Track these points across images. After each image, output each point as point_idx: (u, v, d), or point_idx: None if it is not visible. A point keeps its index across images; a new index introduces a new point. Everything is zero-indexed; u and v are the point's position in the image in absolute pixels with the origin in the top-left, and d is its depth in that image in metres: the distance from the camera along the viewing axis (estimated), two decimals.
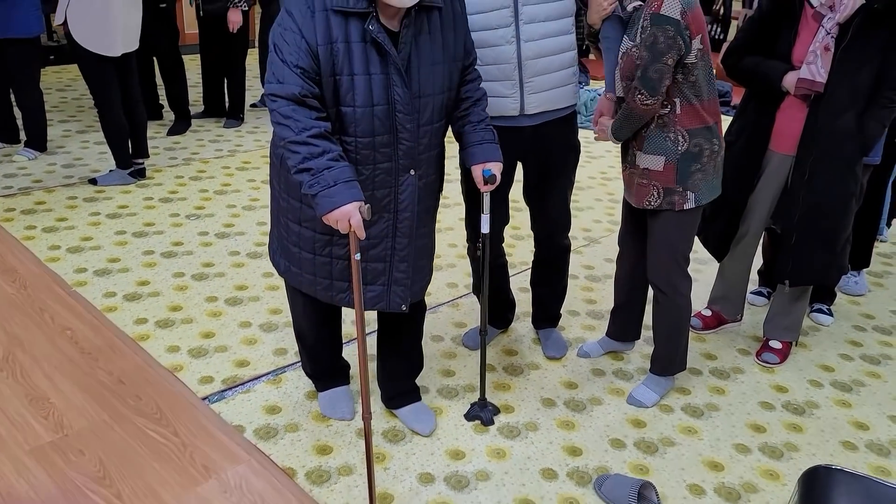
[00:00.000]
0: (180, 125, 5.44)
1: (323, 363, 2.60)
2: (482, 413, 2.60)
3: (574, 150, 2.68)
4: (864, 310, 3.49)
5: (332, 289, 2.22)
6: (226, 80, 5.63)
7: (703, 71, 2.36)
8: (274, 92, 1.89)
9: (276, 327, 3.07)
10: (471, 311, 3.30)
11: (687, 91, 2.37)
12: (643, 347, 3.08)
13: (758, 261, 3.30)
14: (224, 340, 2.97)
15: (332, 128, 1.95)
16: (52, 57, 7.03)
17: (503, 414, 2.64)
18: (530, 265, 3.00)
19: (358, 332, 2.05)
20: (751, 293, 3.45)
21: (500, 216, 2.73)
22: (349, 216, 1.90)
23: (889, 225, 4.02)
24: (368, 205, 1.96)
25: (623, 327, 2.99)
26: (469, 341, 3.04)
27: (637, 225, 2.70)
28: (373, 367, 2.85)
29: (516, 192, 2.79)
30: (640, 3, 2.33)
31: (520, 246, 3.94)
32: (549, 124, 2.55)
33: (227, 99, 5.72)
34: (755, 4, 3.43)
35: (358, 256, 1.98)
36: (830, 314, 3.36)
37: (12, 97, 4.73)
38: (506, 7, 2.38)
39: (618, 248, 2.89)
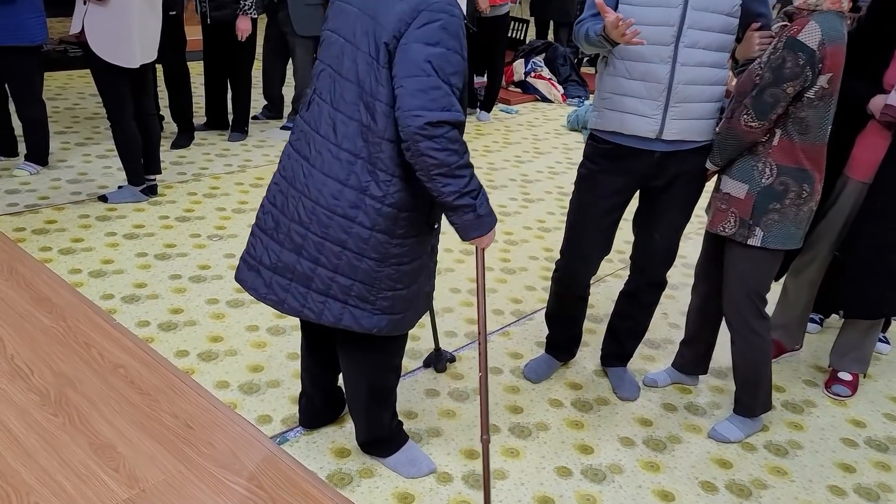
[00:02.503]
0: (184, 138, 5.20)
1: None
2: (437, 362, 2.87)
3: (700, 186, 2.55)
4: None
5: (427, 298, 2.19)
6: (230, 91, 5.41)
7: (817, 112, 2.25)
8: (443, 119, 1.75)
9: None
10: (523, 340, 3.17)
11: (791, 126, 2.27)
12: (710, 379, 2.99)
13: None
14: (274, 374, 2.78)
15: None
16: None
17: (584, 455, 2.51)
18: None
19: (480, 343, 2.06)
20: None
21: (603, 245, 2.61)
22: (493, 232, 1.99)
23: None
24: None
25: (690, 361, 2.89)
26: (531, 374, 2.90)
27: (716, 256, 2.60)
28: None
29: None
30: (785, 22, 2.23)
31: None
32: (681, 154, 2.42)
33: (230, 111, 5.50)
34: None
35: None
36: (887, 342, 3.31)
37: (11, 108, 4.45)
38: (670, 26, 2.26)
39: (693, 279, 2.79)
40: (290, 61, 5.70)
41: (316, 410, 2.49)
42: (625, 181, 2.52)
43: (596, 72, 2.56)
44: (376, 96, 1.83)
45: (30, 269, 2.58)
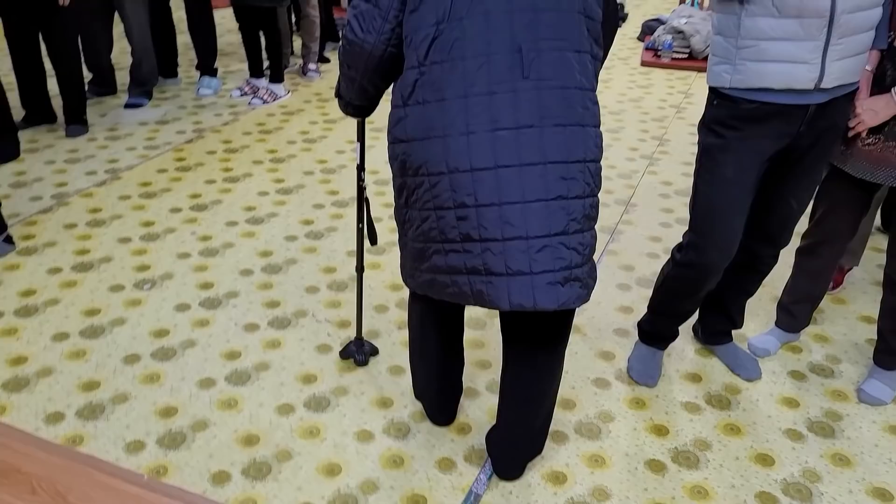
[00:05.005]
0: (9, 146, 3.89)
1: None
2: (357, 354, 2.47)
3: (842, 136, 2.13)
4: None
5: None
6: (56, 73, 4.11)
7: None
8: None
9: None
10: (598, 336, 2.67)
11: None
12: (809, 328, 2.70)
13: None
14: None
15: None
16: None
17: (769, 468, 2.12)
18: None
19: None
20: None
21: (742, 227, 2.13)
22: None
23: None
24: None
25: (802, 320, 2.59)
26: (644, 378, 2.42)
27: (863, 211, 2.25)
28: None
29: None
30: None
31: None
32: (837, 103, 1.97)
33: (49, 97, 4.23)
34: None
35: None
36: None
37: None
38: None
39: (815, 238, 2.43)
40: (121, 19, 4.48)
41: (450, 401, 2.25)
42: (772, 146, 2.04)
43: (713, 13, 2.00)
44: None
45: None
